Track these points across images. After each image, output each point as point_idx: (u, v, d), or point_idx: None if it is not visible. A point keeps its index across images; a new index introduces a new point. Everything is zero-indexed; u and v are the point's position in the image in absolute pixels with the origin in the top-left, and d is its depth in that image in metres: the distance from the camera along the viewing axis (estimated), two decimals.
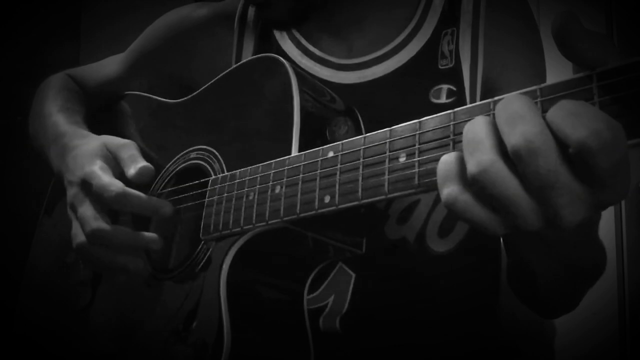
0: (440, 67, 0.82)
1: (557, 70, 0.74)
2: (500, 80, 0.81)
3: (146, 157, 0.83)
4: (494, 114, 0.44)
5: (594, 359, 1.70)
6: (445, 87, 0.80)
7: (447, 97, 0.80)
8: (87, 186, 0.77)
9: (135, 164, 0.78)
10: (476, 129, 0.43)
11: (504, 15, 0.84)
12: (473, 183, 0.42)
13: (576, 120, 0.38)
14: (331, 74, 0.85)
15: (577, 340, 1.57)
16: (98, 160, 0.79)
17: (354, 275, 0.78)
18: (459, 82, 0.80)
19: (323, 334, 0.78)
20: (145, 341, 0.74)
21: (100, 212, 0.75)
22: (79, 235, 0.77)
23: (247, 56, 0.90)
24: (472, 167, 0.42)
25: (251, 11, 0.93)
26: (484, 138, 0.42)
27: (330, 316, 0.78)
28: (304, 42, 0.88)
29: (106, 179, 0.76)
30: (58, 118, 0.94)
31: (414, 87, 0.81)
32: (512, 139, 0.40)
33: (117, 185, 0.75)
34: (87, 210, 0.76)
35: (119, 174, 0.79)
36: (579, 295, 0.71)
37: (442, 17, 0.84)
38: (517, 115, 0.40)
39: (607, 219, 1.79)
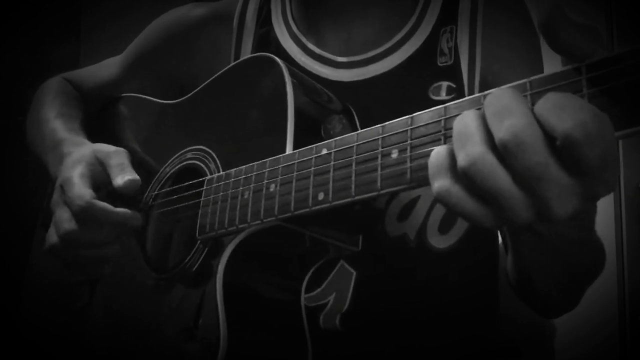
0: (439, 64, 0.81)
1: (556, 70, 0.74)
2: (499, 79, 0.81)
3: (142, 159, 0.83)
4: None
5: (593, 359, 1.70)
6: (444, 83, 0.80)
7: (447, 94, 0.80)
8: (63, 192, 0.78)
9: (123, 175, 0.78)
10: (466, 123, 0.43)
11: (502, 14, 0.84)
12: (463, 176, 0.42)
13: (562, 112, 0.39)
14: (330, 72, 0.85)
15: (577, 340, 1.57)
16: (80, 166, 0.79)
17: (354, 273, 0.78)
18: (458, 79, 0.80)
19: (323, 332, 0.78)
20: (158, 342, 0.74)
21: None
22: (52, 237, 0.78)
23: (246, 55, 0.90)
24: (462, 160, 0.42)
25: (250, 10, 0.93)
26: (473, 131, 0.42)
27: (330, 314, 0.78)
28: (303, 39, 0.88)
29: (76, 190, 0.76)
30: (56, 124, 0.94)
31: (413, 84, 0.81)
32: (500, 132, 0.40)
33: (83, 198, 0.75)
34: (63, 213, 0.77)
35: (103, 182, 0.79)
36: (578, 293, 0.71)
37: (441, 15, 0.84)
38: (504, 108, 0.40)
39: (607, 219, 1.78)
